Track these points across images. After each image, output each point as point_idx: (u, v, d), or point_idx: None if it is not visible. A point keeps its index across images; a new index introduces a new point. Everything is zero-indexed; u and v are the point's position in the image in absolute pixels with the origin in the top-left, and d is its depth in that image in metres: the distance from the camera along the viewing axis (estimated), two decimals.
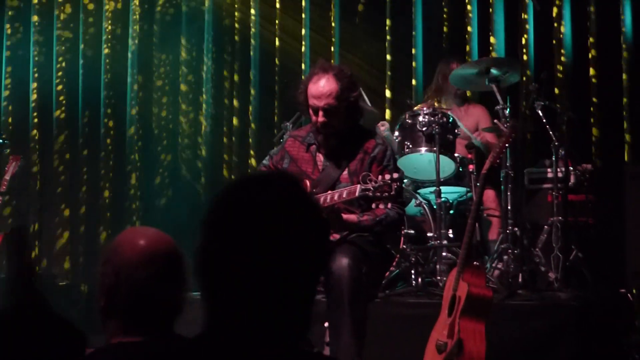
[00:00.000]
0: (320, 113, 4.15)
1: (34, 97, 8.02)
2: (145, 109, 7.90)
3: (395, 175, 3.83)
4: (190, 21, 7.93)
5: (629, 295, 5.68)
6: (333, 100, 4.13)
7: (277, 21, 7.73)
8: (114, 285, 2.17)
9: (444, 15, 7.31)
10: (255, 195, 1.52)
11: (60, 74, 8.03)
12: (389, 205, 3.90)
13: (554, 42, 6.89)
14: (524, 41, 6.88)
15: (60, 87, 8.04)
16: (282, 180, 1.57)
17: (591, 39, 6.74)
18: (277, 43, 7.70)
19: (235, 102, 7.81)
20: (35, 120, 8.04)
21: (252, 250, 1.47)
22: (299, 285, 1.52)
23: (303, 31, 7.59)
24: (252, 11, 7.76)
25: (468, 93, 6.73)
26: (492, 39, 7.02)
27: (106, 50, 7.97)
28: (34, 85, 8.03)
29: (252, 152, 7.62)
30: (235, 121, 7.78)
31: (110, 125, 7.93)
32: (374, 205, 3.90)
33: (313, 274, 1.55)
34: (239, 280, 1.47)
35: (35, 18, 8.09)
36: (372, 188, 3.78)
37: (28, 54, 8.04)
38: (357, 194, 3.83)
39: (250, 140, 7.65)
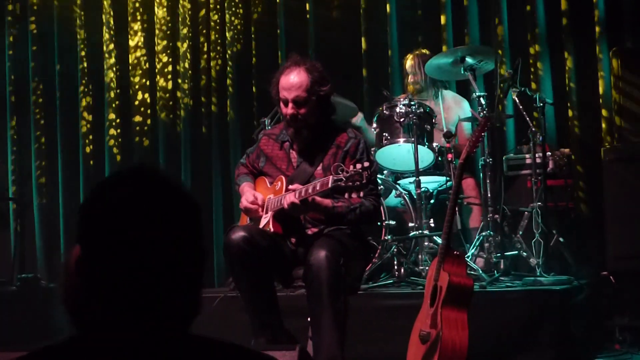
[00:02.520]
0: (290, 105, 4.18)
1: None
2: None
3: (366, 164, 3.85)
4: None
5: (611, 277, 5.72)
6: (303, 93, 4.16)
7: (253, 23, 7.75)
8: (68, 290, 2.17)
9: (419, 4, 7.32)
10: (117, 197, 1.53)
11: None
12: (362, 194, 3.92)
13: (528, 28, 6.91)
14: (498, 29, 6.89)
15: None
16: (139, 175, 1.57)
17: (564, 21, 6.77)
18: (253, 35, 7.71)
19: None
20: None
21: (129, 250, 1.49)
22: (181, 272, 1.53)
23: (278, 22, 7.61)
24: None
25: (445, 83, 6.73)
26: (467, 27, 7.03)
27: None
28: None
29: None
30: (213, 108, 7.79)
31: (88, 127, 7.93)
32: (347, 196, 3.92)
33: (192, 257, 1.56)
34: (121, 278, 1.50)
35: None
36: (344, 178, 3.80)
37: None
38: (329, 185, 3.84)
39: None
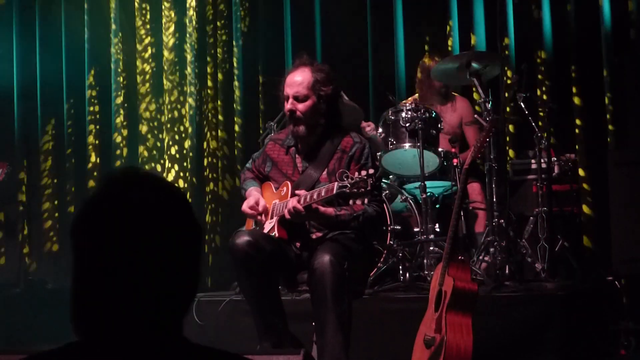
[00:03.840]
0: (290, 100, 4.22)
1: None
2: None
3: (371, 170, 3.87)
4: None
5: (616, 282, 5.72)
6: (304, 90, 4.21)
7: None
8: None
9: (425, 10, 7.33)
10: (105, 199, 1.53)
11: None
12: (366, 201, 3.93)
13: (534, 33, 6.91)
14: (504, 35, 6.90)
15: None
16: (129, 176, 1.57)
17: (570, 26, 6.77)
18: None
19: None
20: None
21: (120, 253, 1.49)
22: (173, 271, 1.53)
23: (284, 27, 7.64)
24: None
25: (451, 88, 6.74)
26: (472, 34, 7.04)
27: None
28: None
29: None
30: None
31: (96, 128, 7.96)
32: (351, 202, 3.93)
33: (188, 258, 1.56)
34: (115, 281, 1.50)
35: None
36: (349, 185, 3.81)
37: None
38: (334, 191, 3.86)
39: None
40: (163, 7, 7.90)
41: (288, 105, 4.25)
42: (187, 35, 7.78)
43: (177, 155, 7.74)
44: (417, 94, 6.64)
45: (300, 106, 4.23)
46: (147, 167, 7.78)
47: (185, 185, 7.58)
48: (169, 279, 1.52)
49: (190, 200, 1.63)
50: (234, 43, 7.73)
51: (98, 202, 1.55)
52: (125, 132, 7.89)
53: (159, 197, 1.55)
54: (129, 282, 1.50)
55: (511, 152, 6.65)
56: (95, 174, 7.91)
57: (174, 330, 1.55)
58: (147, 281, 1.50)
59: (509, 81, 5.96)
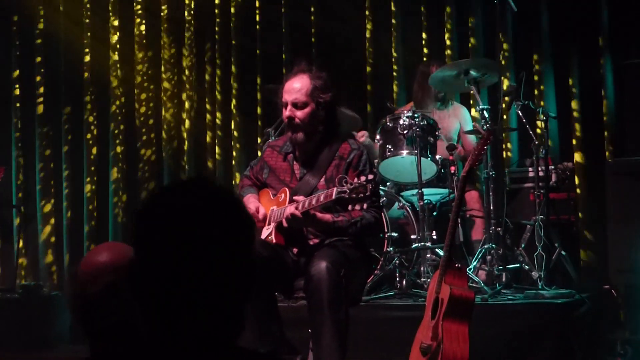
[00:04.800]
0: (289, 107, 4.22)
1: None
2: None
3: (370, 176, 3.86)
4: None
5: (613, 291, 5.72)
6: (302, 96, 4.21)
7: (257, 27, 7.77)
8: (74, 301, 2.20)
9: (423, 18, 7.34)
10: (174, 203, 1.55)
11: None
12: (365, 206, 3.92)
13: (533, 41, 6.92)
14: (502, 42, 6.90)
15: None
16: (199, 185, 1.59)
17: (569, 35, 6.78)
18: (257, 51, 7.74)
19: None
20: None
21: (180, 257, 1.50)
22: (230, 286, 1.54)
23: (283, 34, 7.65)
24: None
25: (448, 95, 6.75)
26: (471, 41, 7.05)
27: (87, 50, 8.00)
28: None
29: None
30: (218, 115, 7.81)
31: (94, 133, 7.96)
32: (350, 208, 3.93)
33: (243, 272, 1.57)
34: (174, 288, 1.51)
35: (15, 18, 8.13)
36: (348, 190, 3.81)
37: None
38: (333, 197, 3.85)
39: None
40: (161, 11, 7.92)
41: (287, 112, 4.25)
42: (185, 41, 7.79)
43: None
44: (412, 102, 6.64)
45: (299, 113, 4.23)
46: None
47: None
48: (223, 284, 1.54)
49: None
50: (232, 51, 7.74)
51: (163, 199, 1.57)
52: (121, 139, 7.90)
53: (224, 206, 1.57)
54: (186, 282, 1.51)
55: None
56: (94, 178, 7.92)
57: (227, 337, 1.55)
58: (202, 283, 1.52)
59: (509, 87, 5.95)
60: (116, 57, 7.97)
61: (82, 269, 2.22)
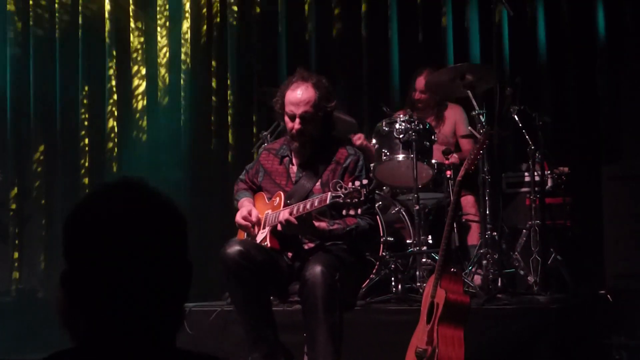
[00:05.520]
0: (297, 120, 4.19)
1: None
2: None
3: (365, 181, 3.85)
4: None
5: (608, 296, 5.71)
6: (310, 108, 4.17)
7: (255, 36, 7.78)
8: (57, 305, 2.19)
9: (419, 23, 7.34)
10: (100, 209, 1.53)
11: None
12: (359, 211, 3.91)
13: (529, 46, 6.93)
14: (499, 48, 6.91)
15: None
16: (126, 188, 1.57)
17: (565, 40, 6.78)
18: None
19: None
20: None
21: (112, 263, 1.49)
22: (166, 287, 1.53)
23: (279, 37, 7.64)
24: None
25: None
26: (467, 45, 7.06)
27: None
28: None
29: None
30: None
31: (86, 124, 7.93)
32: (344, 213, 3.92)
33: (178, 273, 1.55)
34: (108, 295, 1.49)
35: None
36: (342, 195, 3.80)
37: None
38: (328, 202, 3.84)
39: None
40: (158, 16, 7.90)
41: (296, 125, 4.20)
42: (182, 44, 7.78)
43: None
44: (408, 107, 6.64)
45: (309, 127, 4.20)
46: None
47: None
48: (158, 286, 1.52)
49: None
50: (228, 53, 7.73)
51: (90, 206, 1.55)
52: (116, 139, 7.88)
53: (154, 206, 1.55)
54: (120, 287, 1.49)
55: None
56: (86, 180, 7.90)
57: (165, 337, 1.54)
58: (136, 287, 1.50)
59: (506, 91, 5.95)
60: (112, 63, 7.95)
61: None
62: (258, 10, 7.81)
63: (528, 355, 4.86)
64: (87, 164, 7.92)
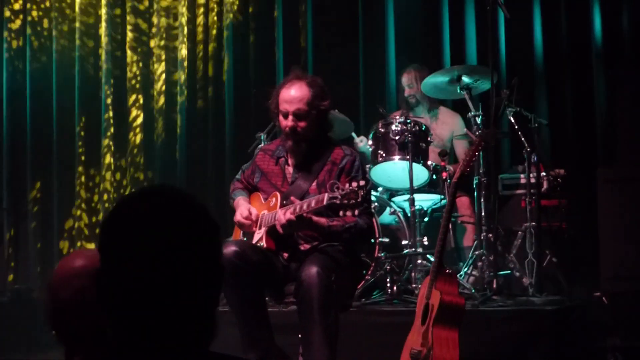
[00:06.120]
0: (290, 117, 4.19)
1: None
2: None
3: (362, 182, 3.85)
4: None
5: (603, 298, 5.71)
6: (304, 106, 4.18)
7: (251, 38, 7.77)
8: (46, 306, 2.20)
9: (417, 24, 7.34)
10: (138, 212, 1.54)
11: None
12: (356, 212, 3.91)
13: (526, 48, 6.93)
14: (495, 50, 6.91)
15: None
16: (162, 192, 1.59)
17: (562, 42, 6.79)
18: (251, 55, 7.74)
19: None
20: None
21: (147, 265, 1.50)
22: (199, 291, 1.54)
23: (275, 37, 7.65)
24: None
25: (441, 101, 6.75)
26: (464, 47, 7.06)
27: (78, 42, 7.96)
28: None
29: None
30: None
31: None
32: (341, 214, 3.92)
33: (209, 277, 1.57)
34: (141, 297, 1.50)
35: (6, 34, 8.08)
36: (339, 196, 3.80)
37: None
38: (325, 202, 3.84)
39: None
40: (155, 20, 7.90)
41: (289, 123, 4.20)
42: (178, 46, 7.77)
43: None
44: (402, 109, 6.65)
45: (302, 124, 4.20)
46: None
47: None
48: (191, 290, 1.53)
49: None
50: (225, 53, 7.73)
51: (126, 208, 1.57)
52: (113, 139, 7.87)
53: (189, 212, 1.57)
54: (152, 291, 1.50)
55: None
56: (82, 179, 7.89)
57: (199, 343, 1.55)
58: (169, 291, 1.51)
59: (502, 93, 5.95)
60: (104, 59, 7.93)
61: (56, 274, 2.22)
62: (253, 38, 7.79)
63: (523, 357, 4.87)
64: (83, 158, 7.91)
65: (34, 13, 7.99)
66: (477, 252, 5.75)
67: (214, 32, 7.83)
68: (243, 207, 4.28)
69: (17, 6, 7.98)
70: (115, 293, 1.52)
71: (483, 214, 5.78)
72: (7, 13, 7.96)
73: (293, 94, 4.20)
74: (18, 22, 7.99)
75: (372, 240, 5.73)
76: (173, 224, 1.53)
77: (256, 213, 4.26)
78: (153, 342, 1.51)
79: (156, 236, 1.52)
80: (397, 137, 5.82)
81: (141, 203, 1.56)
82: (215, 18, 7.83)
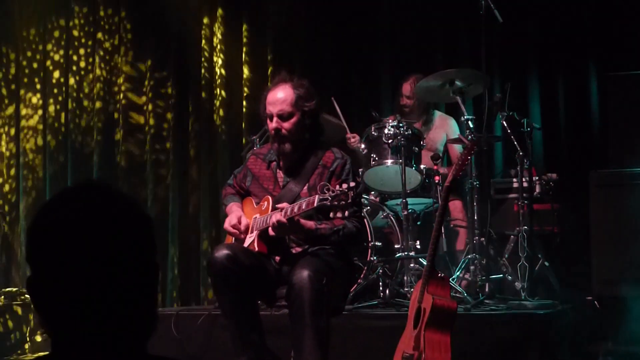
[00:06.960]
0: (275, 119, 4.21)
1: None
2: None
3: (352, 184, 3.85)
4: None
5: (595, 302, 5.72)
6: (287, 107, 4.20)
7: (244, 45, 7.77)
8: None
9: (409, 29, 7.36)
10: (63, 215, 1.50)
11: None
12: (346, 213, 3.91)
13: (519, 53, 6.95)
14: (488, 53, 6.92)
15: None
16: (86, 191, 1.54)
17: (554, 46, 6.81)
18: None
19: None
20: None
21: (79, 267, 1.46)
22: (135, 287, 1.50)
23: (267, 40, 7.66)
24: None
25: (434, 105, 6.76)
26: (456, 51, 7.08)
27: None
28: None
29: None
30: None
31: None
32: (331, 215, 3.92)
33: (146, 271, 1.53)
34: (77, 298, 1.47)
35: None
36: (329, 197, 3.80)
37: None
38: (315, 204, 3.84)
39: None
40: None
41: (273, 124, 4.22)
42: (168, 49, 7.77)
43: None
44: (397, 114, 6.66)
45: (286, 124, 4.21)
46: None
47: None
48: (125, 290, 1.49)
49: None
50: (215, 58, 7.73)
51: (52, 210, 1.52)
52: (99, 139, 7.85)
53: (118, 208, 1.52)
54: (85, 292, 1.46)
55: None
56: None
57: (136, 343, 1.52)
58: (102, 291, 1.47)
59: (495, 97, 5.97)
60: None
61: None
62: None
63: None
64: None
65: None
66: (469, 256, 5.75)
67: None
68: (233, 215, 4.29)
69: None
70: (50, 299, 1.48)
71: (475, 217, 5.79)
72: None
73: (277, 95, 4.23)
74: None
75: (365, 244, 5.74)
76: (100, 223, 1.48)
77: (246, 222, 4.26)
78: (93, 342, 1.47)
79: (84, 236, 1.47)
80: (390, 141, 5.83)
81: (65, 205, 1.51)
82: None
